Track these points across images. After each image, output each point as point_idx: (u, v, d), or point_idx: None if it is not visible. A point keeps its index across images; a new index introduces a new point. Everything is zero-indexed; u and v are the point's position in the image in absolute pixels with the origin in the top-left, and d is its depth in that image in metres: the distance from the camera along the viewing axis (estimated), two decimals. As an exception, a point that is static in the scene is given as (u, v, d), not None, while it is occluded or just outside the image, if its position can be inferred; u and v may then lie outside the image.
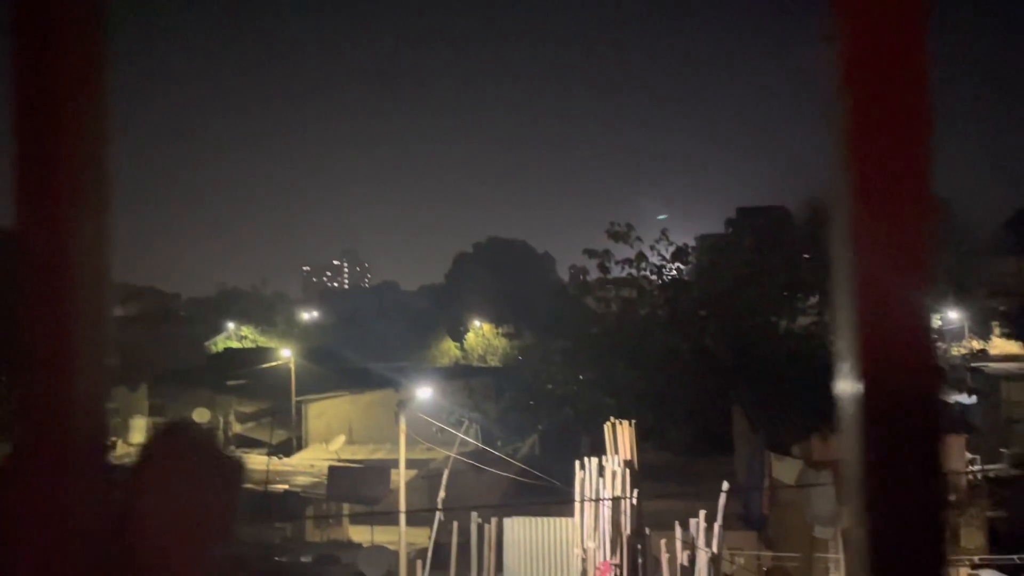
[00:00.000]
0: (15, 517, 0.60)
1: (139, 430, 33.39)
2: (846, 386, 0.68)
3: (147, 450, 0.67)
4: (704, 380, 23.15)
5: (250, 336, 52.29)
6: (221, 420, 34.01)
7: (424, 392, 22.89)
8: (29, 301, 0.61)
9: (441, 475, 17.00)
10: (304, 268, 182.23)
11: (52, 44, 0.63)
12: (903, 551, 0.65)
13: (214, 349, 48.07)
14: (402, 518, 15.94)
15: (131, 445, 32.52)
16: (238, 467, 0.73)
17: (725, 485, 12.00)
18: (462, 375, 36.05)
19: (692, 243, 29.59)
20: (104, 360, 0.62)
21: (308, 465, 27.03)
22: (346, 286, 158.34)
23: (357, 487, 22.35)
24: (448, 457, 17.96)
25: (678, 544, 11.67)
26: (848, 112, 0.66)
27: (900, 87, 0.67)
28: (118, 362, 0.63)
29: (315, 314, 64.12)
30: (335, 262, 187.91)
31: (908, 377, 0.66)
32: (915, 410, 0.66)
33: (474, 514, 12.73)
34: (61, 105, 0.63)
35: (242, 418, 32.95)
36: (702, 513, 11.60)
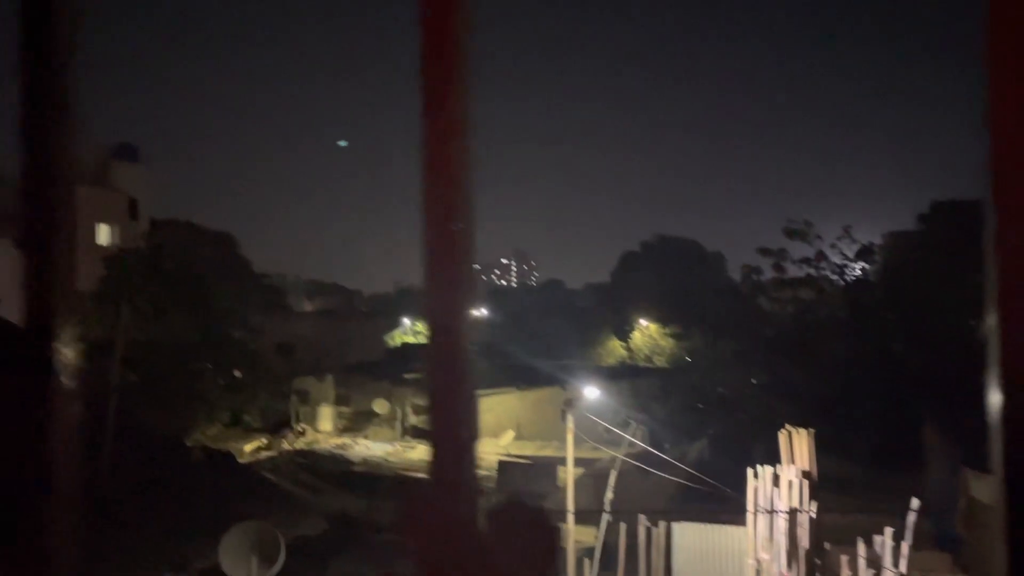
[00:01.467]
0: (431, 529, 0.74)
1: (326, 417, 35.88)
2: (993, 395, 0.66)
3: (491, 524, 0.79)
4: (890, 387, 21.65)
5: (425, 332, 54.62)
6: (399, 411, 35.84)
7: (591, 391, 22.98)
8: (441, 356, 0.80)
9: (607, 475, 16.99)
10: (474, 266, 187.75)
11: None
12: None
13: (392, 343, 50.67)
14: (570, 517, 16.09)
15: (319, 432, 35.05)
16: (559, 535, 0.84)
17: (915, 502, 11.18)
18: (628, 375, 35.80)
19: (878, 241, 27.74)
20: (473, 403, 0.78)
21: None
22: (514, 284, 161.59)
23: (526, 482, 22.87)
24: (614, 457, 17.92)
25: (861, 562, 11.00)
26: (997, 120, 0.67)
27: None
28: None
29: (484, 311, 65.90)
30: (503, 260, 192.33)
31: None
32: None
33: (642, 516, 12.64)
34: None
35: (418, 410, 34.53)
36: (888, 530, 10.88)
